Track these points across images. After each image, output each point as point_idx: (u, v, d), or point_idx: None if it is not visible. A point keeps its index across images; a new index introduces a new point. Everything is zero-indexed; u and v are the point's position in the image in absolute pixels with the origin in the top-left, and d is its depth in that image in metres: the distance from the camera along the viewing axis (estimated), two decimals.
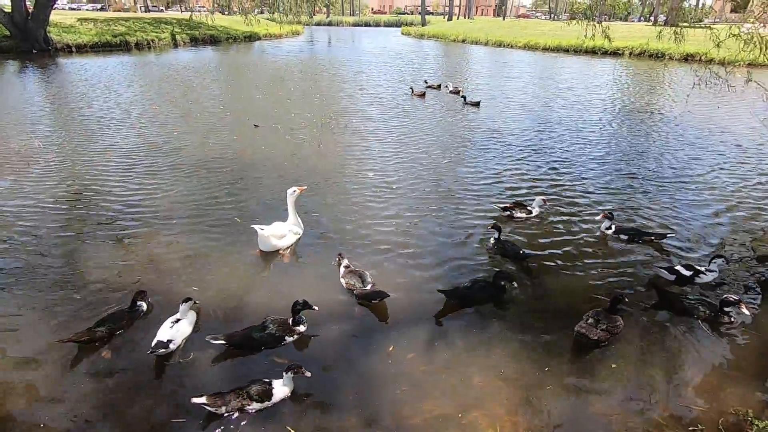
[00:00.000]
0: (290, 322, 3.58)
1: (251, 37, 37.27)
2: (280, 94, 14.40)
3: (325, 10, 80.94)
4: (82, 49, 25.04)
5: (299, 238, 5.11)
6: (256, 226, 4.70)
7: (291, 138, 9.25)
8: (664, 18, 49.83)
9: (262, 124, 10.27)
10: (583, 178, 7.28)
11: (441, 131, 10.06)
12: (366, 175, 7.20)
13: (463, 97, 13.46)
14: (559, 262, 4.79)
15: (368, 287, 4.04)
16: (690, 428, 2.83)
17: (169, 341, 3.38)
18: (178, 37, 30.54)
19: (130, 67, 19.62)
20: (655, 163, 8.04)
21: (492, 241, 4.96)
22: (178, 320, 3.55)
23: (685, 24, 9.61)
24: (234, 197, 6.27)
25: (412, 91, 14.44)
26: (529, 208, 5.84)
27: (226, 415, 2.87)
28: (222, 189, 6.54)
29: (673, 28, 10.35)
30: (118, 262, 4.58)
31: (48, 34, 23.96)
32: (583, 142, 9.31)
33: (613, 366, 3.33)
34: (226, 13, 41.20)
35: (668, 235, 5.20)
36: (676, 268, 4.36)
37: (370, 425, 2.85)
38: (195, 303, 3.75)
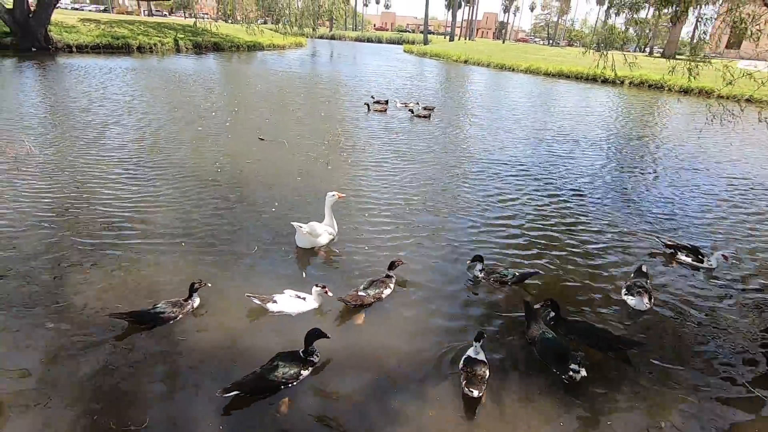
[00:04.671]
0: (301, 353, 3.34)
1: (254, 47, 37.26)
2: (290, 109, 14.18)
3: (328, 23, 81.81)
4: (82, 50, 24.73)
5: (333, 239, 5.36)
6: (295, 223, 4.97)
7: (298, 154, 8.99)
8: (660, 49, 51.19)
9: (267, 137, 10.01)
10: (590, 209, 7.09)
11: (442, 152, 9.87)
12: (377, 197, 6.94)
13: (410, 110, 13.91)
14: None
15: (363, 293, 4.17)
16: None
17: (275, 302, 3.94)
18: (181, 42, 30.38)
19: (130, 71, 19.31)
20: (663, 199, 7.91)
21: (479, 273, 4.74)
22: (304, 298, 4.04)
23: (700, 59, 9.60)
24: (243, 217, 5.94)
25: (368, 108, 14.15)
26: (702, 256, 5.24)
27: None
28: (229, 208, 6.21)
29: (687, 63, 10.40)
30: (114, 285, 4.23)
31: (49, 33, 23.65)
32: (593, 173, 9.18)
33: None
34: (230, 21, 41.39)
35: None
36: None
37: None
38: (327, 292, 4.04)
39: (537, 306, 4.13)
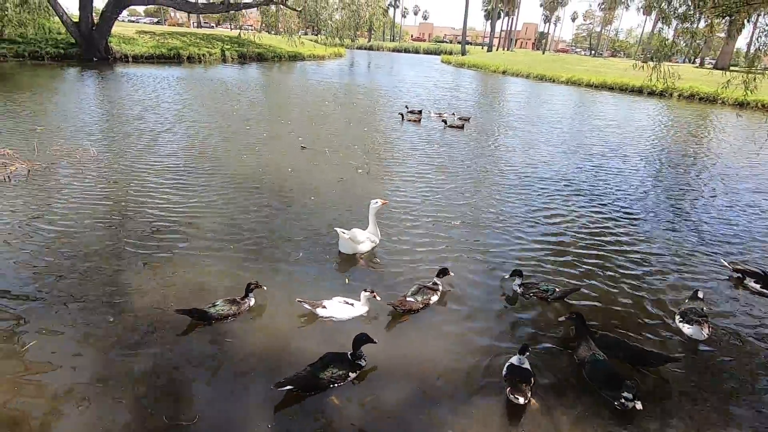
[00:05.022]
0: (349, 356, 3.42)
1: (296, 57, 38.40)
2: (330, 119, 14.49)
3: (366, 34, 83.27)
4: (138, 60, 26.31)
5: (375, 246, 5.39)
6: (338, 229, 5.08)
7: (339, 163, 9.13)
8: (713, 60, 48.78)
9: (308, 146, 10.24)
10: (638, 233, 6.77)
11: (484, 164, 9.75)
12: (419, 207, 6.92)
13: (443, 121, 13.99)
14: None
15: (411, 299, 4.24)
16: None
17: (324, 307, 4.02)
18: (227, 53, 31.75)
19: (181, 80, 20.35)
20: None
21: (517, 287, 4.63)
22: (352, 304, 4.10)
23: (759, 71, 9.08)
24: (287, 223, 6.07)
25: (402, 117, 14.26)
26: None
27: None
28: (274, 214, 6.38)
29: (744, 76, 9.85)
30: (164, 286, 4.41)
31: (109, 44, 25.33)
32: (644, 190, 8.79)
33: None
34: (273, 32, 42.94)
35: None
36: None
37: None
38: (375, 297, 4.12)
39: (561, 319, 4.06)
